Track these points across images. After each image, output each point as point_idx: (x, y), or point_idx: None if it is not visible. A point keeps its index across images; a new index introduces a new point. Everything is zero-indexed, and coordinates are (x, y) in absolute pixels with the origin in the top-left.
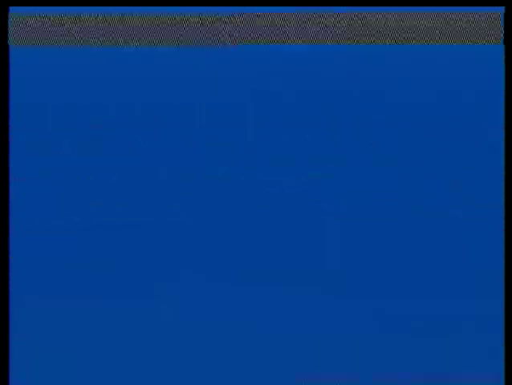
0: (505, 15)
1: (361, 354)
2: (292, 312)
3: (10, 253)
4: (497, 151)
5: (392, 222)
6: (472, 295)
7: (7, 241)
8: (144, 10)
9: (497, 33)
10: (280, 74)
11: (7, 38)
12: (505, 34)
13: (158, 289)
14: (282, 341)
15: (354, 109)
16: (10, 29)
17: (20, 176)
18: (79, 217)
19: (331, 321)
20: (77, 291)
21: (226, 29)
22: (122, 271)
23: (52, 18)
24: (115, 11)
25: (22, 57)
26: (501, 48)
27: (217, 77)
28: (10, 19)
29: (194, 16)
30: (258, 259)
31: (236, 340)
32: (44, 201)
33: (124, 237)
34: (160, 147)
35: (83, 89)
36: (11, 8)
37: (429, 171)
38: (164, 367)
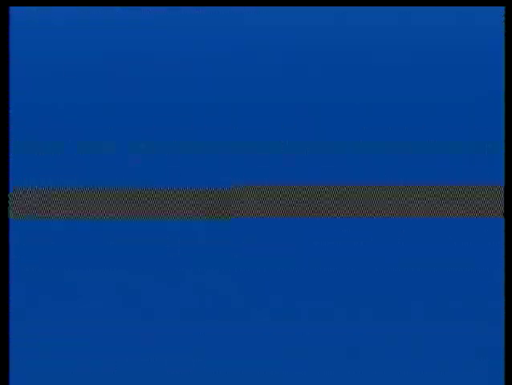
0: (506, 15)
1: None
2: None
3: (10, 255)
4: (497, 153)
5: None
6: (472, 297)
7: (7, 244)
8: None
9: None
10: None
11: (7, 41)
12: (505, 34)
13: (158, 291)
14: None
15: (351, 101)
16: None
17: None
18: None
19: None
20: (76, 293)
21: None
22: (121, 271)
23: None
24: None
25: (22, 55)
26: (501, 45)
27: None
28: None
29: None
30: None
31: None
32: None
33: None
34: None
35: (81, 85)
36: (11, 8)
37: (428, 168)
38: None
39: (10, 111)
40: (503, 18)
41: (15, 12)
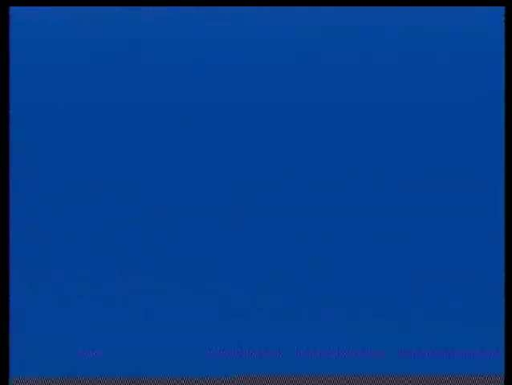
0: (506, 15)
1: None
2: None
3: (10, 255)
4: (497, 155)
5: (390, 223)
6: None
7: (7, 243)
8: None
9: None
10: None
11: (7, 38)
12: (505, 34)
13: (156, 293)
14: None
15: (350, 102)
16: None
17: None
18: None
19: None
20: (75, 293)
21: None
22: (120, 271)
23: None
24: None
25: (22, 54)
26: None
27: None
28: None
29: None
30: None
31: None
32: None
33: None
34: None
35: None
36: (11, 8)
37: (429, 170)
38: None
39: (10, 111)
40: (503, 18)
41: (15, 12)
